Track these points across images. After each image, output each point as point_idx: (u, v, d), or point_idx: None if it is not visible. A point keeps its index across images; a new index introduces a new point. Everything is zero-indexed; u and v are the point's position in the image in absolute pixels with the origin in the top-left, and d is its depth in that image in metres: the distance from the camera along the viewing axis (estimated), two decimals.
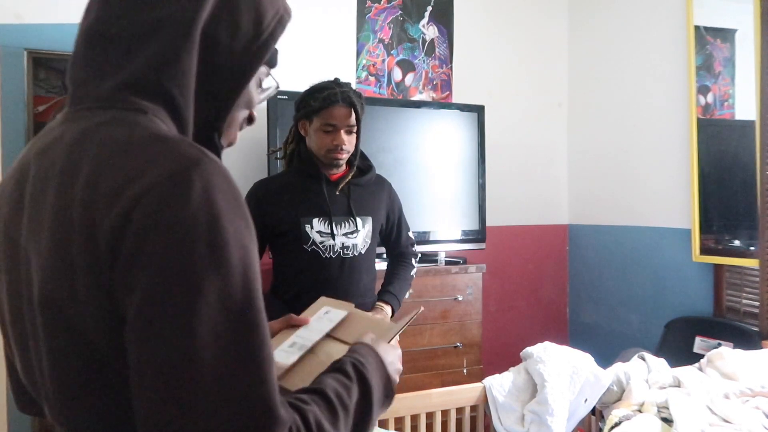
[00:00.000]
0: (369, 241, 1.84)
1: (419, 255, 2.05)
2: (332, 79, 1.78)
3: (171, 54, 0.60)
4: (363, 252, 1.82)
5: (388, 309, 1.84)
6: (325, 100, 1.71)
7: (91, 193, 0.53)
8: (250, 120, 0.74)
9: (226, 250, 0.52)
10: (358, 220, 1.81)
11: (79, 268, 0.53)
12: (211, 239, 0.51)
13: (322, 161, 1.79)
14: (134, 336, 0.51)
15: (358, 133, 1.78)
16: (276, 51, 0.73)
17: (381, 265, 1.98)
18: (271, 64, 0.73)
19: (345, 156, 1.77)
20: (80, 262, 0.53)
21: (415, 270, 2.00)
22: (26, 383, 0.67)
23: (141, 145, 0.55)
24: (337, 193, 1.80)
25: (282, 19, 0.68)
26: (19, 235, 0.61)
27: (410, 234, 2.02)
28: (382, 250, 2.00)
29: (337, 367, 0.71)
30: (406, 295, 1.96)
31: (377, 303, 1.85)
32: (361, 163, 1.88)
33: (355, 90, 1.77)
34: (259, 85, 0.73)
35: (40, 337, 0.59)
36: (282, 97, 2.53)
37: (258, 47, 0.66)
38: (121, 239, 0.51)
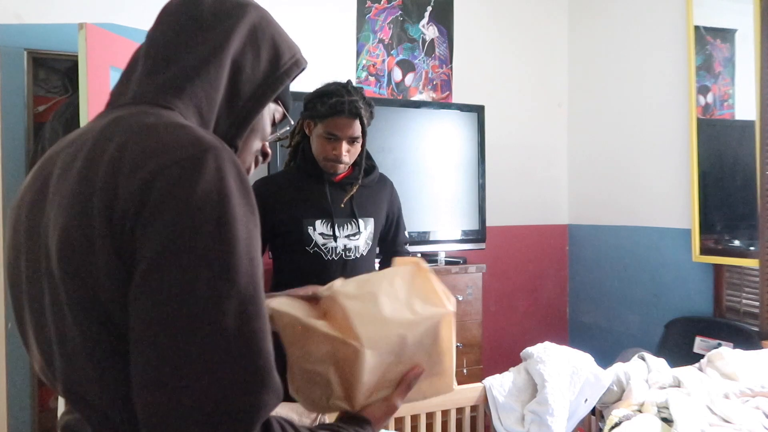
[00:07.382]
0: (370, 243, 1.82)
1: (415, 256, 2.04)
2: (344, 82, 1.73)
3: (201, 67, 0.71)
4: (365, 254, 1.80)
5: None
6: (331, 108, 1.65)
7: (116, 162, 0.60)
8: (264, 155, 0.84)
9: (234, 227, 0.58)
10: (361, 221, 1.78)
11: (97, 227, 0.58)
12: (220, 216, 0.57)
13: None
14: (139, 294, 0.56)
15: (363, 141, 1.74)
16: (290, 95, 0.85)
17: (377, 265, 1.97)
18: (285, 104, 0.85)
19: (343, 166, 1.74)
20: (99, 220, 0.58)
21: None
22: (41, 362, 0.69)
23: (165, 128, 0.63)
24: (343, 205, 1.77)
25: (297, 62, 0.80)
26: (40, 216, 0.66)
27: (405, 233, 2.00)
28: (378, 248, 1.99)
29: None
30: None
31: None
32: (365, 163, 1.84)
33: (365, 98, 1.72)
34: (273, 122, 0.84)
35: (62, 304, 0.62)
36: None
37: (273, 80, 0.77)
38: (140, 205, 0.57)
